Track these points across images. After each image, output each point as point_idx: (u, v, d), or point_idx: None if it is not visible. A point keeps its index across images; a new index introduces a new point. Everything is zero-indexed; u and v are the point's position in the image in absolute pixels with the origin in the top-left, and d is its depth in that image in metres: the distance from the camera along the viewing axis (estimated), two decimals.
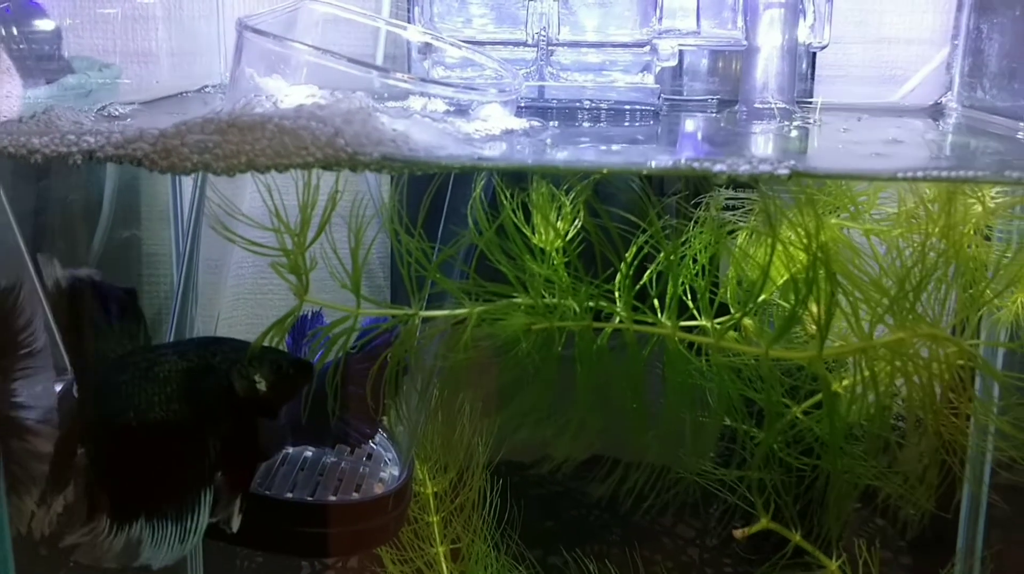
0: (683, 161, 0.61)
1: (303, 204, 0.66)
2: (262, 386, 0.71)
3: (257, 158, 0.60)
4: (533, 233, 0.71)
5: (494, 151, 0.69)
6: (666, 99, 0.99)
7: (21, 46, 0.83)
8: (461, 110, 0.79)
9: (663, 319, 0.69)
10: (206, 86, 0.98)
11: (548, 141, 0.74)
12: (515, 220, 0.70)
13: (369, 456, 0.85)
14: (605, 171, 0.62)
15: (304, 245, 0.66)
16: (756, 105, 0.99)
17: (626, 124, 0.94)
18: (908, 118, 1.01)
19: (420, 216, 0.67)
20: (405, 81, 0.73)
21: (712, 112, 1.03)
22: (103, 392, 0.71)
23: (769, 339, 0.66)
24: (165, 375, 0.71)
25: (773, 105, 0.98)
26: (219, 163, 0.60)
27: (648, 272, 0.71)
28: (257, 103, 0.70)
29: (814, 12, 0.99)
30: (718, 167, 0.60)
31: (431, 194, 0.67)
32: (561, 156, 0.64)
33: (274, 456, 0.81)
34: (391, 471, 0.83)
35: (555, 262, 0.71)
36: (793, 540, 0.84)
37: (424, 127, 0.70)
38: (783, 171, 0.60)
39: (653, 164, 0.62)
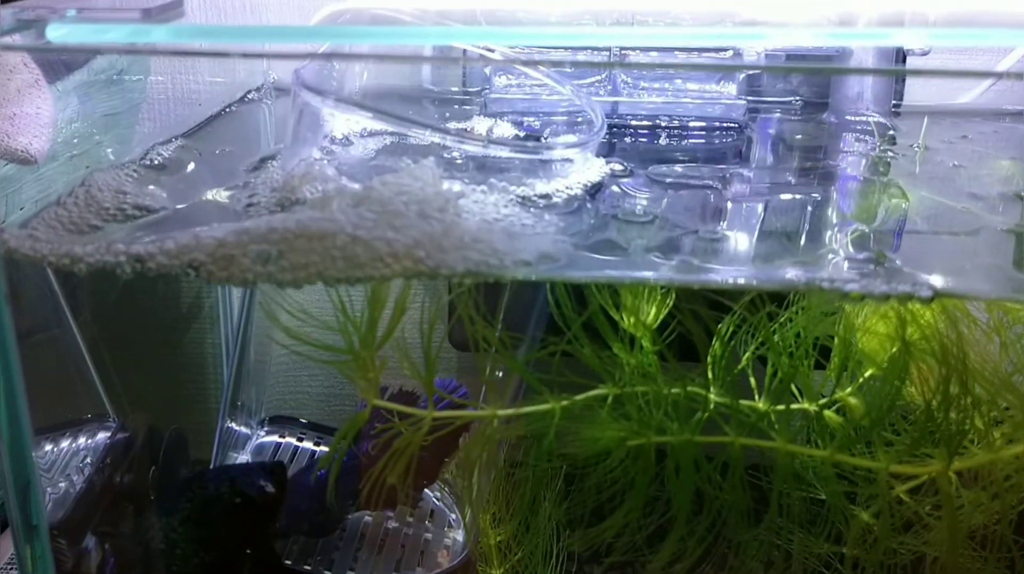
0: (813, 280, 0.54)
1: (371, 298, 0.59)
2: (269, 487, 0.72)
3: (327, 270, 0.53)
4: (621, 317, 0.64)
5: (580, 230, 0.62)
6: (745, 98, 0.90)
7: None
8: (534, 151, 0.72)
9: (759, 404, 0.63)
10: (248, 93, 0.90)
11: (638, 208, 0.66)
12: (603, 304, 0.63)
13: (431, 514, 0.80)
14: (721, 287, 0.54)
15: (373, 344, 0.60)
16: (848, 116, 0.90)
17: (704, 142, 0.86)
18: (1011, 123, 0.92)
19: (499, 314, 0.60)
20: (475, 141, 0.65)
21: (795, 118, 0.94)
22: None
23: (891, 455, 0.59)
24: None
25: (868, 119, 0.89)
26: (284, 275, 0.53)
27: (745, 358, 0.64)
28: (319, 170, 0.63)
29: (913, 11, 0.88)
30: (851, 286, 0.53)
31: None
32: (669, 270, 0.56)
33: (332, 532, 0.76)
34: (455, 536, 0.78)
35: (643, 346, 0.64)
36: None
37: (499, 205, 0.62)
38: (925, 294, 0.52)
39: (778, 280, 0.55)
